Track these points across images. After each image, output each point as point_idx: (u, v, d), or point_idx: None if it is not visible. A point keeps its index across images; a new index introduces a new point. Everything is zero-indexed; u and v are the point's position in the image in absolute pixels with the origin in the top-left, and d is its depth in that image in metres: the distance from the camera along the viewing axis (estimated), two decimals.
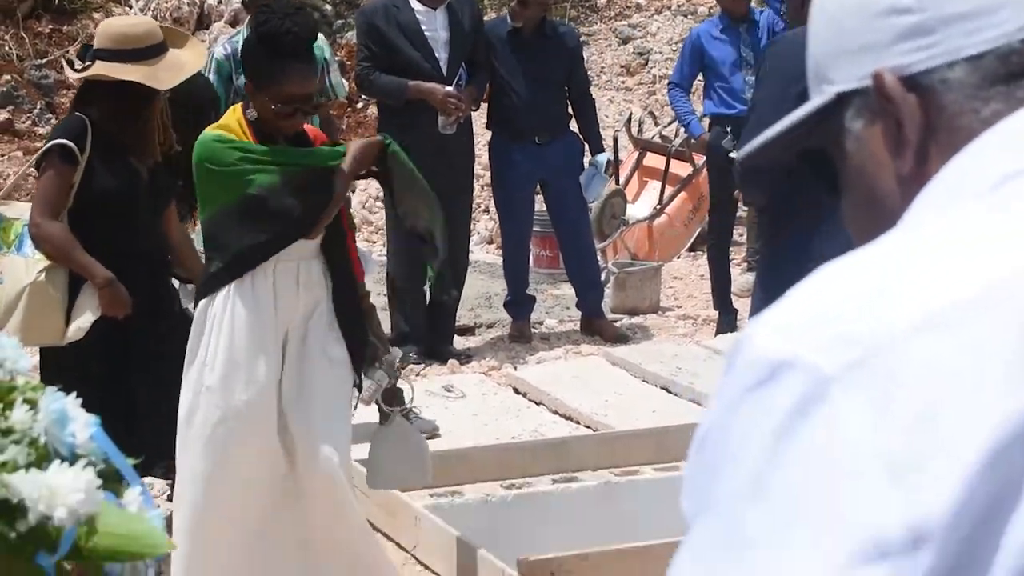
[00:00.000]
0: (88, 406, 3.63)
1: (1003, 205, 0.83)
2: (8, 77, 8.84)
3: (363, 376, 3.65)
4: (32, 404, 1.13)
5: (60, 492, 1.04)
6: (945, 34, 0.87)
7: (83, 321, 3.85)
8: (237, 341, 3.46)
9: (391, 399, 3.73)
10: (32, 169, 4.18)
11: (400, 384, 3.77)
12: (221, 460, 3.48)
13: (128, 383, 3.99)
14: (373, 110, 8.54)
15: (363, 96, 8.74)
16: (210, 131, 3.47)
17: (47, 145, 3.87)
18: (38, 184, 3.90)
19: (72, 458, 1.10)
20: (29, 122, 8.63)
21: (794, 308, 0.83)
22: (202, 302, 3.53)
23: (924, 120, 0.89)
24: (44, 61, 9.10)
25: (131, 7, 9.44)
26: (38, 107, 8.72)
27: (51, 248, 3.87)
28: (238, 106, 3.54)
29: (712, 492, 0.82)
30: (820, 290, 0.83)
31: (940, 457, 0.74)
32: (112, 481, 1.19)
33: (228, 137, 3.43)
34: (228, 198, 3.45)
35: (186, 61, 3.98)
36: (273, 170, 3.43)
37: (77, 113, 3.94)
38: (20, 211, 3.98)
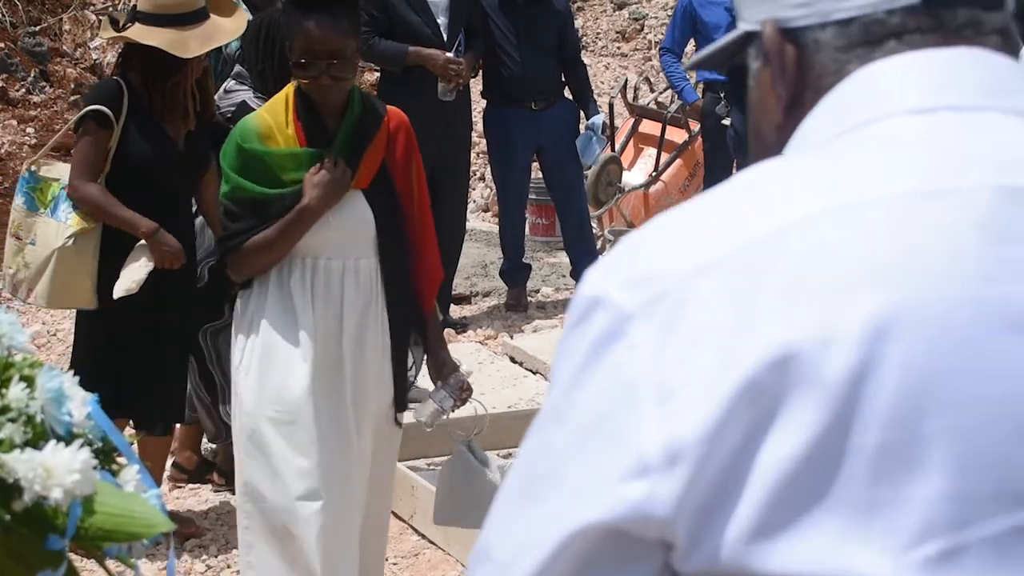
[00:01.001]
0: (114, 369, 3.60)
1: (831, 154, 0.88)
2: (1, 45, 8.78)
3: (429, 396, 3.24)
4: (29, 381, 1.12)
5: (56, 472, 1.03)
6: None
7: (136, 273, 3.83)
8: (269, 349, 3.08)
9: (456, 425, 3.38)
10: (71, 132, 4.17)
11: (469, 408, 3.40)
12: (259, 473, 3.13)
13: (157, 348, 4.02)
14: (368, 77, 8.50)
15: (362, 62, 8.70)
16: (252, 116, 3.18)
17: (83, 110, 3.87)
18: (75, 148, 3.92)
19: (69, 437, 1.09)
20: (23, 90, 8.58)
21: (620, 248, 0.89)
22: (239, 299, 3.19)
23: (798, 74, 0.94)
24: (38, 28, 9.04)
25: None
26: (32, 75, 8.65)
27: (91, 207, 3.89)
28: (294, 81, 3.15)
29: (539, 415, 0.89)
30: (647, 231, 0.88)
31: (698, 383, 0.79)
32: (109, 459, 1.18)
33: (249, 129, 3.08)
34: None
35: (224, 29, 3.96)
36: (245, 183, 3.06)
37: (115, 77, 3.97)
38: (60, 172, 3.98)
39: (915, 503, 0.77)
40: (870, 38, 0.91)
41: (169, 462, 4.58)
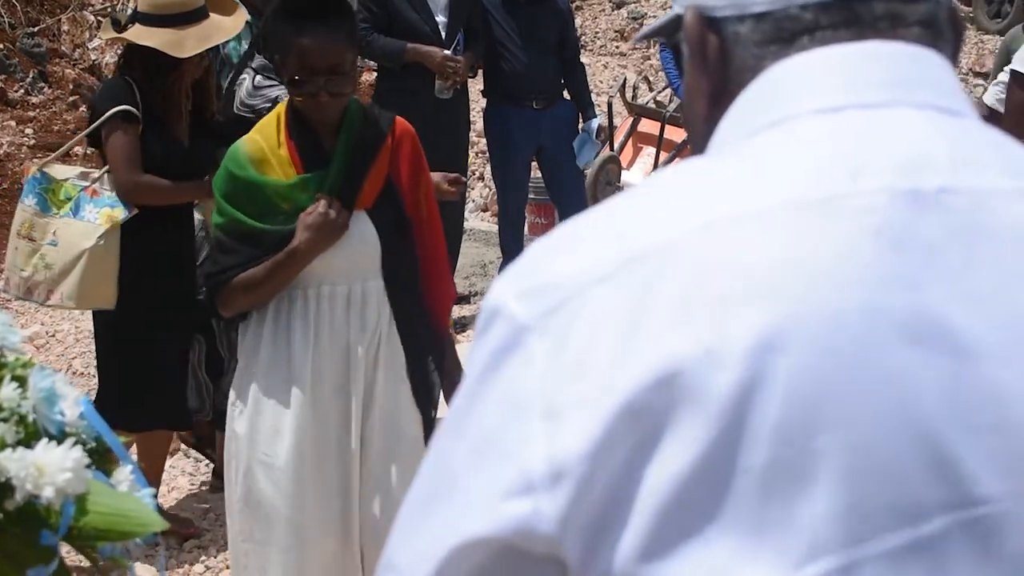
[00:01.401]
0: (134, 369, 3.51)
1: (737, 158, 0.87)
2: (2, 46, 8.78)
3: None
4: (21, 381, 1.12)
5: (48, 471, 1.03)
6: None
7: None
8: (264, 389, 2.85)
9: None
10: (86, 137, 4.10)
11: None
12: (249, 513, 2.91)
13: (172, 346, 4.07)
14: (367, 77, 8.50)
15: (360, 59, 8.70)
16: (243, 139, 2.86)
17: (111, 112, 3.82)
18: (110, 150, 3.86)
19: (61, 436, 1.09)
20: (22, 91, 8.58)
21: (525, 255, 0.88)
22: (240, 328, 2.97)
23: (720, 67, 0.93)
24: (36, 29, 9.04)
25: None
26: (31, 76, 8.65)
27: (153, 195, 3.91)
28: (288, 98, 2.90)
29: (443, 423, 0.88)
30: (552, 238, 0.88)
31: (584, 401, 0.78)
32: (103, 459, 1.18)
33: (241, 154, 2.81)
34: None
35: (222, 27, 3.95)
36: (238, 214, 2.80)
37: (117, 76, 3.96)
38: (65, 173, 3.96)
39: (805, 520, 0.75)
40: (783, 34, 0.90)
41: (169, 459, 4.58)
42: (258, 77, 4.26)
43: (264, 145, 2.81)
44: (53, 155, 4.07)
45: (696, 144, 0.98)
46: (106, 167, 3.90)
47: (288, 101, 2.85)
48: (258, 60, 4.26)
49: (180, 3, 3.86)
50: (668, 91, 7.92)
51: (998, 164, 0.85)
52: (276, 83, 4.20)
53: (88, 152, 6.54)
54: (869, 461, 0.76)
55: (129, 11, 4.10)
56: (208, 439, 4.66)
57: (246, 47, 5.05)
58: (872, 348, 0.77)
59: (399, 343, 2.91)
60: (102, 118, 3.83)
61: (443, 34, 5.84)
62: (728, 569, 0.75)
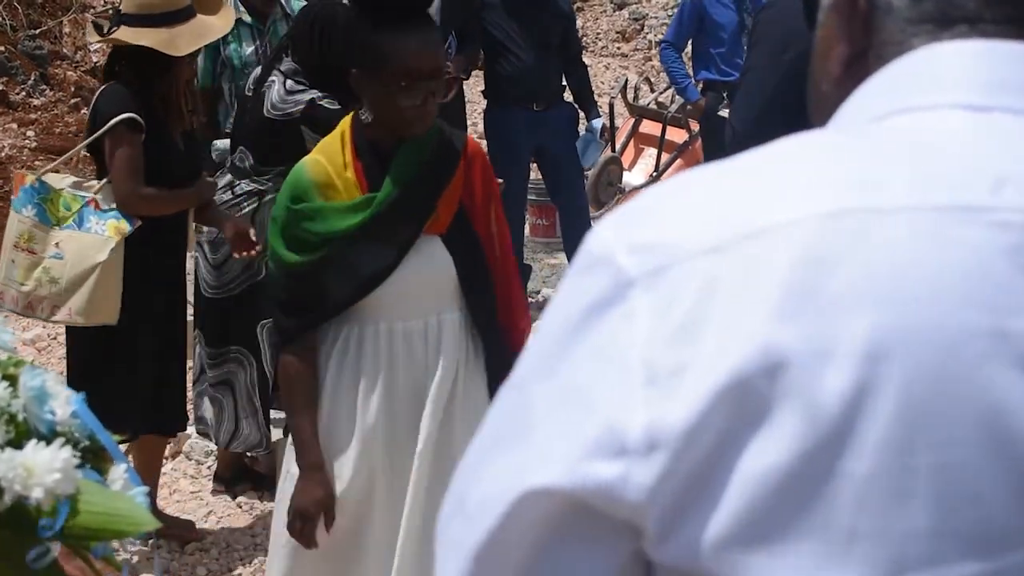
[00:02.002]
0: (120, 377, 3.46)
1: (868, 140, 0.85)
2: (1, 48, 8.79)
3: None
4: (12, 380, 1.11)
5: (36, 472, 1.02)
6: None
7: None
8: (328, 433, 2.61)
9: None
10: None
11: None
12: (299, 563, 2.69)
13: (166, 354, 4.06)
14: None
15: None
16: (306, 157, 2.65)
17: (116, 120, 3.75)
18: (115, 159, 3.79)
19: (52, 436, 1.09)
20: (23, 93, 8.60)
21: (634, 205, 0.86)
22: None
23: (864, 32, 0.90)
24: (38, 32, 9.06)
25: None
26: (32, 78, 8.68)
27: (155, 206, 3.87)
28: (351, 115, 2.65)
29: (524, 357, 0.86)
30: (661, 192, 0.85)
31: (691, 372, 0.77)
32: (97, 458, 1.17)
33: (305, 182, 2.57)
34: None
35: (212, 27, 3.92)
36: (308, 252, 2.55)
37: (115, 82, 3.87)
38: (59, 182, 3.88)
39: (897, 535, 0.75)
40: (941, 17, 0.86)
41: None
42: (289, 82, 4.12)
43: (329, 168, 2.56)
44: (53, 164, 4.02)
45: (820, 108, 0.95)
46: (106, 179, 3.84)
47: (353, 118, 2.62)
48: (287, 64, 4.14)
49: (168, 2, 3.83)
50: (670, 92, 7.93)
51: None
52: (307, 87, 4.11)
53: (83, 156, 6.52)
54: (961, 487, 0.75)
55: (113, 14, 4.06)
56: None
57: (248, 50, 5.04)
58: (987, 370, 0.75)
59: (478, 378, 2.69)
60: (107, 126, 3.77)
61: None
62: (813, 571, 0.75)
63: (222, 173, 4.41)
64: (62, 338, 6.03)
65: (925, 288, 0.76)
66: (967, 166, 0.80)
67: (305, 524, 2.54)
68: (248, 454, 4.63)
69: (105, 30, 3.86)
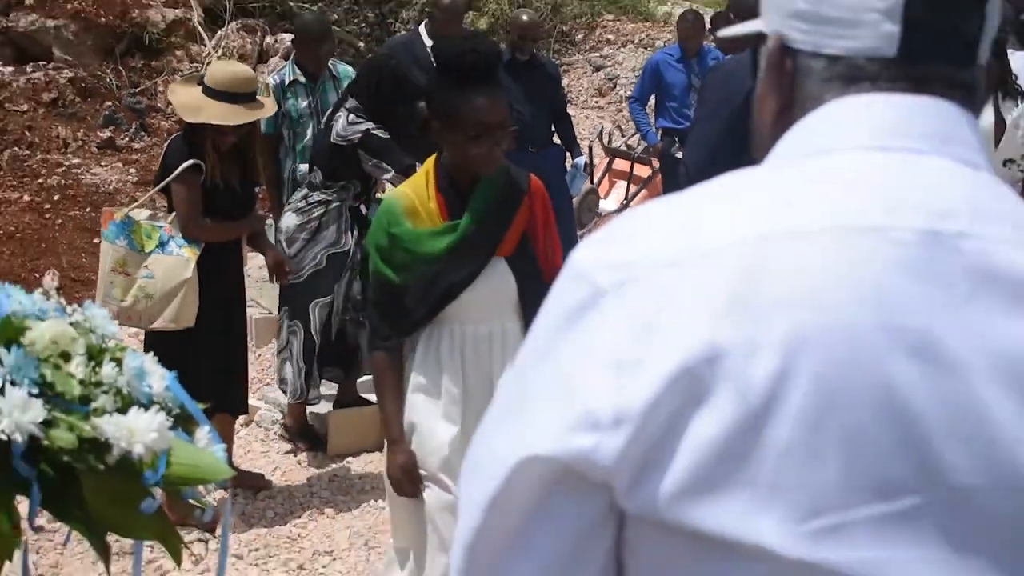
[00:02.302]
0: (192, 366, 3.46)
1: (791, 176, 0.84)
2: (110, 103, 8.80)
3: None
4: (118, 362, 1.12)
5: (138, 432, 1.03)
6: (817, 29, 0.87)
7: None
8: (420, 404, 2.58)
9: None
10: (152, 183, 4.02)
11: None
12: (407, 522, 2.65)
13: (222, 350, 4.01)
14: None
15: None
16: (395, 190, 2.60)
17: (184, 165, 3.75)
18: (182, 198, 3.78)
19: (150, 404, 1.09)
20: (127, 139, 8.61)
21: (611, 227, 0.86)
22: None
23: (790, 88, 0.89)
24: (137, 90, 9.05)
25: (206, 47, 9.39)
26: (133, 127, 8.69)
27: (212, 234, 3.87)
28: (435, 156, 2.60)
29: (522, 348, 0.86)
30: (629, 219, 0.85)
31: (649, 363, 0.77)
32: (187, 423, 1.18)
33: (396, 209, 2.53)
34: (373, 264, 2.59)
35: (261, 109, 3.92)
36: (404, 268, 2.51)
37: (177, 136, 3.87)
38: (140, 215, 3.85)
39: (811, 487, 0.75)
40: (847, 77, 0.86)
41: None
42: (351, 116, 4.33)
43: (415, 198, 2.53)
44: (136, 204, 3.94)
45: (759, 146, 0.94)
46: (174, 213, 3.83)
47: (436, 159, 2.57)
48: (350, 103, 4.37)
49: (244, 84, 3.84)
50: (636, 137, 7.92)
51: (1006, 216, 0.82)
52: (364, 120, 4.32)
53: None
54: (865, 448, 0.75)
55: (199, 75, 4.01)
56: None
57: (303, 104, 5.07)
58: (882, 358, 0.76)
59: None
60: (176, 172, 3.75)
61: None
62: (746, 516, 0.75)
63: (300, 188, 4.59)
64: (132, 332, 6.04)
65: (833, 294, 0.76)
66: (868, 195, 0.80)
67: (396, 483, 2.58)
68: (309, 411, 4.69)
69: (196, 82, 3.86)
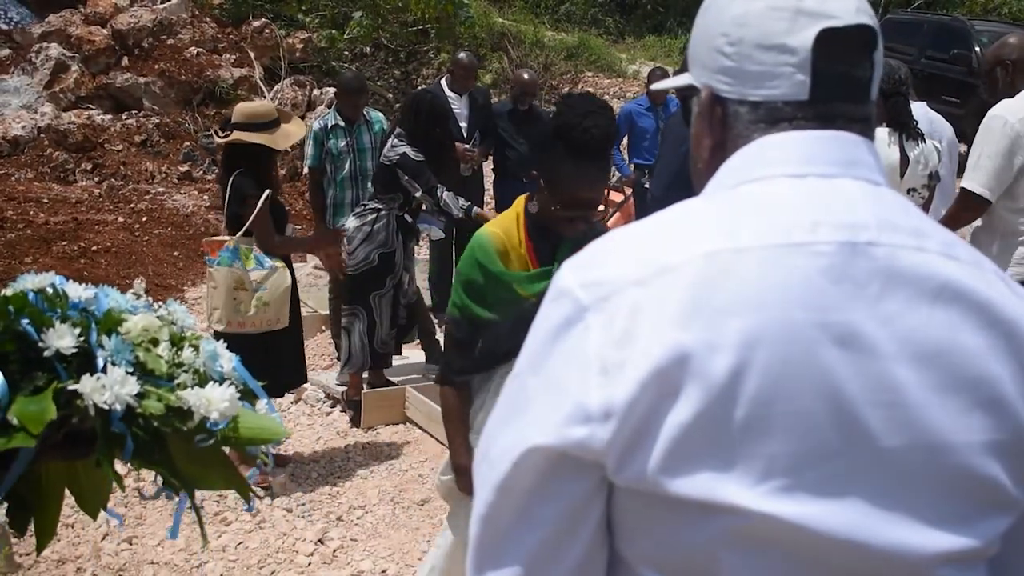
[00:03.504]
0: (256, 352, 3.33)
1: (729, 202, 0.84)
2: (188, 143, 8.83)
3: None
4: (196, 347, 1.13)
5: (214, 401, 1.04)
6: (741, 81, 0.87)
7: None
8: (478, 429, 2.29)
9: None
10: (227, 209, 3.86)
11: None
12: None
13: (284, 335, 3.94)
14: None
15: None
16: (486, 228, 2.22)
17: (263, 196, 3.67)
18: (260, 222, 3.71)
19: (221, 380, 1.10)
20: (201, 172, 8.63)
21: (588, 252, 0.85)
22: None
23: (722, 130, 0.88)
24: (210, 131, 9.07)
25: (264, 96, 9.40)
26: (206, 162, 8.70)
27: (286, 250, 3.86)
28: (523, 197, 2.25)
29: (520, 358, 0.85)
30: (606, 242, 0.85)
31: (627, 367, 0.76)
32: (249, 396, 1.19)
33: (489, 249, 2.15)
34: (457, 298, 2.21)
35: (293, 132, 3.88)
36: (498, 307, 2.15)
37: (240, 172, 3.75)
38: (241, 242, 3.78)
39: (764, 457, 0.75)
40: (769, 119, 0.86)
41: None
42: (394, 140, 4.41)
43: (507, 241, 2.17)
44: (239, 233, 3.77)
45: (697, 179, 0.93)
46: (253, 233, 3.74)
47: (524, 204, 2.21)
48: (397, 129, 4.44)
49: (267, 114, 3.81)
50: (612, 169, 7.90)
51: (905, 226, 0.82)
52: (403, 144, 4.38)
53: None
54: (805, 422, 0.75)
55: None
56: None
57: (341, 144, 5.09)
58: (815, 348, 0.76)
59: None
60: (260, 201, 3.67)
61: (465, 134, 5.86)
62: (713, 483, 0.75)
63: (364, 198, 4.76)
64: (205, 325, 6.02)
65: (771, 299, 0.76)
66: (792, 214, 0.80)
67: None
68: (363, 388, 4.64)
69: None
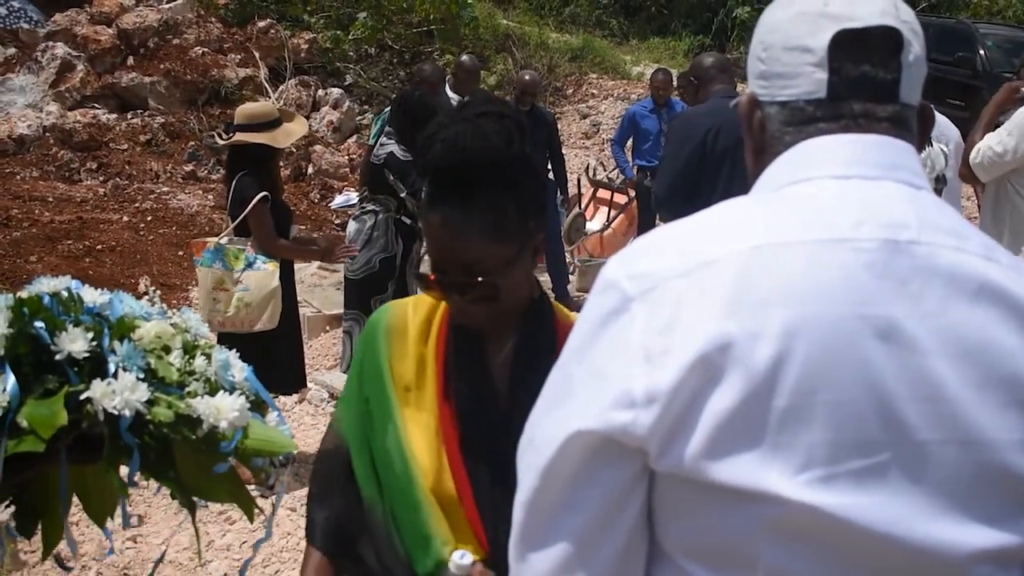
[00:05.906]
0: (257, 355, 3.33)
1: (774, 201, 0.86)
2: (192, 143, 8.83)
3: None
4: (208, 356, 1.13)
5: (223, 411, 1.04)
6: (771, 83, 0.90)
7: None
8: None
9: None
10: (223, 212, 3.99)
11: None
12: None
13: (279, 339, 3.95)
14: None
15: None
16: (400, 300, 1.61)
17: (259, 196, 3.66)
18: (259, 223, 3.70)
19: (232, 390, 1.10)
20: (206, 172, 8.64)
21: (636, 246, 0.86)
22: None
23: (761, 133, 0.91)
24: (215, 132, 9.08)
25: (269, 97, 9.41)
26: (211, 162, 8.71)
27: (288, 253, 3.83)
28: None
29: (565, 348, 0.86)
30: (652, 238, 0.86)
31: (671, 353, 0.77)
32: (259, 406, 1.18)
33: (379, 321, 1.35)
34: None
35: (294, 130, 3.87)
36: None
37: (243, 173, 3.75)
38: (222, 240, 3.79)
39: (804, 446, 0.76)
40: (796, 120, 0.87)
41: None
42: (383, 138, 4.42)
43: (411, 319, 1.34)
44: (224, 233, 3.83)
45: (751, 180, 0.94)
46: (251, 236, 3.74)
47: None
48: (387, 128, 4.42)
49: (267, 114, 3.80)
50: (616, 171, 7.92)
51: (946, 227, 0.83)
52: (392, 143, 4.35)
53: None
54: (846, 413, 0.76)
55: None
56: None
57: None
58: (856, 340, 0.76)
59: None
60: (252, 203, 3.66)
61: None
62: (753, 470, 0.76)
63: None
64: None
65: (814, 292, 0.77)
66: (837, 213, 0.82)
67: None
68: None
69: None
